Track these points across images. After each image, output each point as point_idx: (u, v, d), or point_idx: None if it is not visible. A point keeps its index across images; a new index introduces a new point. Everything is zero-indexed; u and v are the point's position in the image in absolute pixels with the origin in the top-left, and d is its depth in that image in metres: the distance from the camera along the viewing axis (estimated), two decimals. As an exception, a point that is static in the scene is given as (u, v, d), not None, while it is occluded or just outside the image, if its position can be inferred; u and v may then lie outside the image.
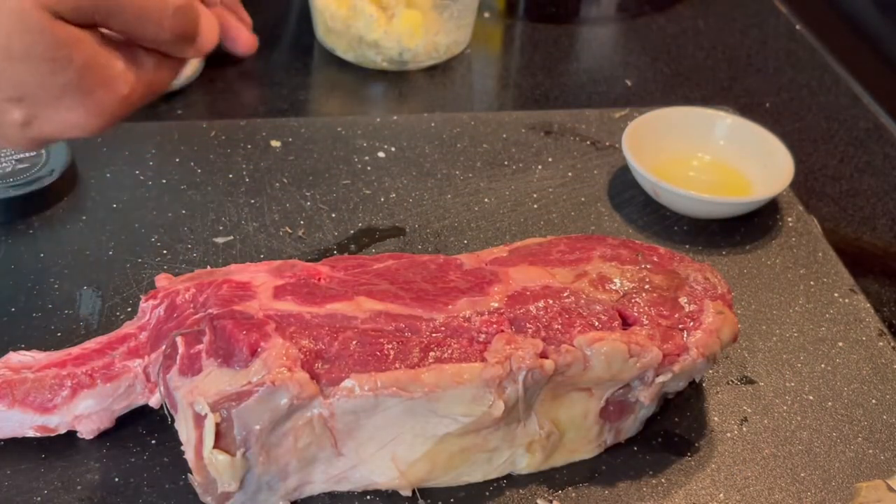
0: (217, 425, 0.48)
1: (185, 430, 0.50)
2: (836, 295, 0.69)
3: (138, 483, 0.53)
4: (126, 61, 0.48)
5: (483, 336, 0.52)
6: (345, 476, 0.53)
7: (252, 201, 0.73)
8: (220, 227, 0.71)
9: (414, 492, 0.54)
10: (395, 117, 0.84)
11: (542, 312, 0.54)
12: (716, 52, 1.02)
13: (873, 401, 0.62)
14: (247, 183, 0.75)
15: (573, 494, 0.55)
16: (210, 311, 0.52)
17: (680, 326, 0.55)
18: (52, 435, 0.54)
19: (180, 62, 0.52)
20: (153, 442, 0.55)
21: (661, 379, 0.54)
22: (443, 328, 0.53)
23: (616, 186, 0.78)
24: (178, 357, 0.51)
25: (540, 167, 0.79)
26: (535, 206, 0.75)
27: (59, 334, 0.61)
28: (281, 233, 0.71)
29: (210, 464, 0.49)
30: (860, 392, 0.62)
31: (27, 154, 0.72)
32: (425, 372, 0.50)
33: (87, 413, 0.54)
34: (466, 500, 0.54)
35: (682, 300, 0.57)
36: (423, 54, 0.92)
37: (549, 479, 0.56)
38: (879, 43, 1.02)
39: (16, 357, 0.55)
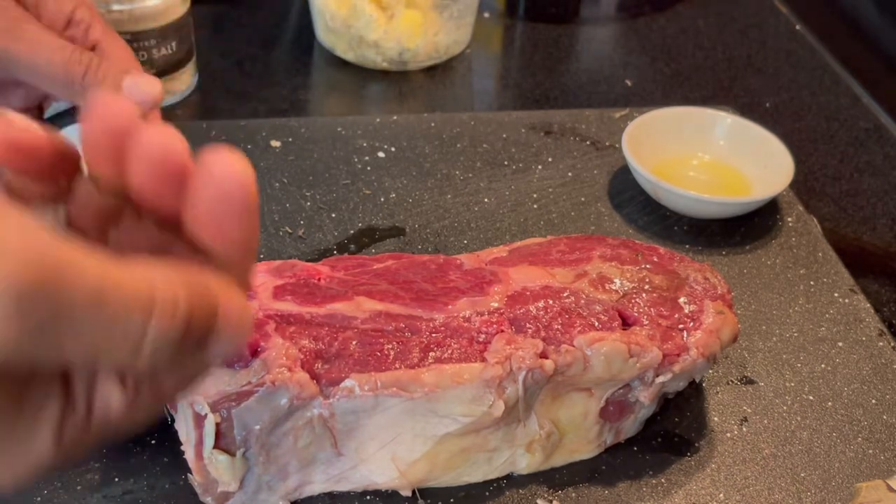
0: (217, 425, 0.48)
1: (184, 430, 0.50)
2: (836, 295, 0.69)
3: (138, 483, 0.53)
4: (64, 404, 0.29)
5: (483, 336, 0.52)
6: (345, 476, 0.53)
7: (252, 201, 0.73)
8: (220, 227, 0.71)
9: (414, 492, 0.54)
10: (395, 117, 0.84)
11: (542, 312, 0.54)
12: (716, 52, 1.02)
13: (873, 401, 0.62)
14: (247, 183, 0.75)
15: (573, 494, 0.55)
16: (210, 311, 0.52)
17: (680, 326, 0.55)
18: (52, 435, 0.54)
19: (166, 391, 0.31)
20: (153, 442, 0.55)
21: (661, 379, 0.54)
22: (443, 328, 0.53)
23: (616, 186, 0.78)
24: (178, 357, 0.51)
25: (540, 167, 0.79)
26: (535, 206, 0.75)
27: (59, 334, 0.61)
28: (281, 233, 0.71)
29: (210, 464, 0.49)
30: (860, 392, 0.62)
31: None
32: (425, 372, 0.50)
33: (87, 413, 0.54)
34: (466, 500, 0.54)
35: (682, 300, 0.57)
36: (423, 54, 0.92)
37: (549, 479, 0.56)
38: (879, 43, 1.02)
39: (16, 357, 0.55)
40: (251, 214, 0.31)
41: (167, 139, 0.31)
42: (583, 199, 0.77)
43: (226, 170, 0.30)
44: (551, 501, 0.55)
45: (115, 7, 0.76)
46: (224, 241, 0.31)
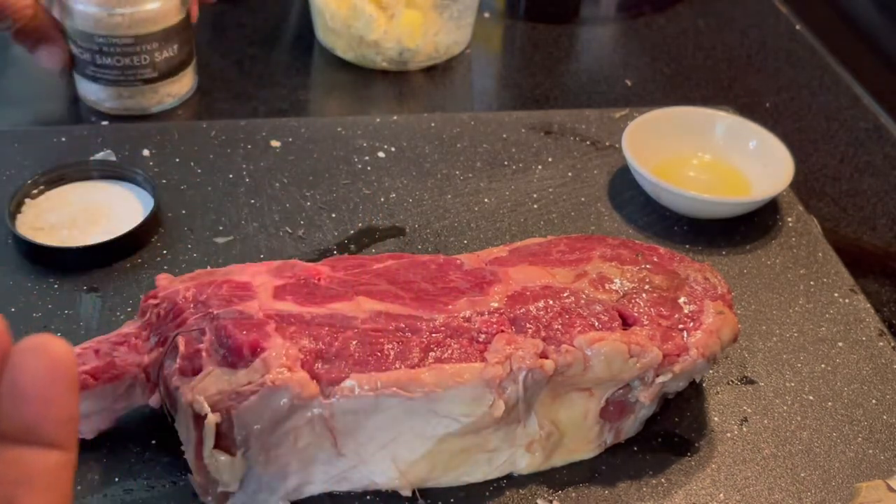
0: (217, 425, 0.48)
1: (185, 430, 0.50)
2: (836, 295, 0.69)
3: (138, 483, 0.53)
4: None
5: (483, 336, 0.52)
6: (345, 476, 0.53)
7: (252, 201, 0.73)
8: (220, 227, 0.71)
9: (414, 492, 0.54)
10: (395, 117, 0.84)
11: (542, 312, 0.54)
12: (716, 52, 1.02)
13: (873, 401, 0.62)
14: (247, 183, 0.75)
15: (573, 494, 0.55)
16: (210, 311, 0.52)
17: (680, 327, 0.55)
18: (52, 435, 0.54)
19: None
20: (153, 442, 0.55)
21: (661, 379, 0.54)
22: (443, 328, 0.53)
23: (616, 186, 0.78)
24: (178, 357, 0.51)
25: (540, 167, 0.79)
26: (535, 206, 0.75)
27: (58, 334, 0.61)
28: (281, 233, 0.71)
29: (210, 464, 0.49)
30: (860, 392, 0.62)
31: None
32: (425, 372, 0.50)
33: (87, 413, 0.54)
34: (466, 500, 0.54)
35: (682, 300, 0.57)
36: (423, 54, 0.92)
37: (550, 479, 0.56)
38: (879, 43, 1.02)
39: (16, 357, 0.55)
40: (76, 388, 0.31)
41: None
42: (583, 199, 0.77)
43: (45, 346, 0.31)
44: (551, 501, 0.54)
45: (117, 11, 0.76)
46: (51, 418, 0.31)
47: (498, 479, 0.55)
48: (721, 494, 0.55)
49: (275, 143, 0.79)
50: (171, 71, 0.81)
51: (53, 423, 0.31)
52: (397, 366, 0.50)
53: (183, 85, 0.84)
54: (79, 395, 0.32)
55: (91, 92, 0.82)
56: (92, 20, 0.76)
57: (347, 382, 0.49)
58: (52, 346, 0.31)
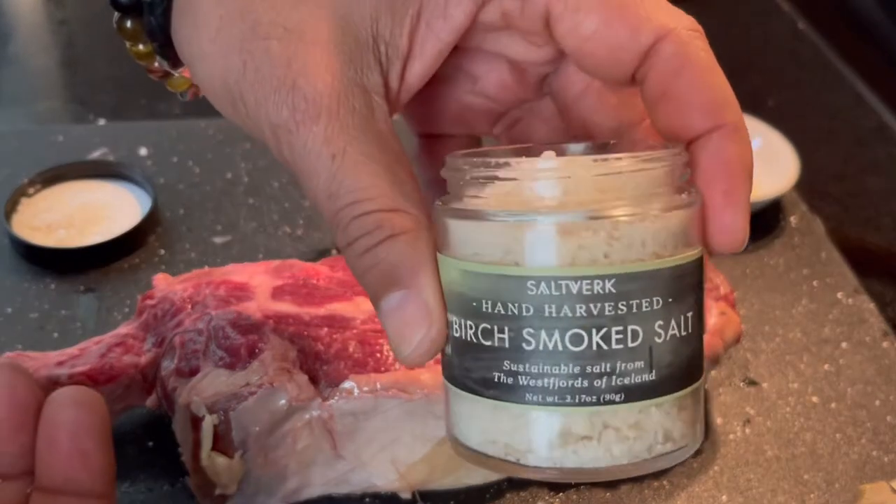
0: (215, 427, 0.48)
1: (182, 431, 0.50)
2: (839, 295, 0.69)
3: (136, 485, 0.53)
4: None
5: (483, 337, 0.52)
6: (344, 478, 0.52)
7: (251, 201, 0.73)
8: (219, 227, 0.70)
9: (414, 494, 0.53)
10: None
11: (543, 313, 0.54)
12: (717, 51, 1.01)
13: (877, 402, 0.61)
14: (245, 182, 0.74)
15: (574, 497, 0.54)
16: (208, 311, 0.52)
17: (682, 327, 0.55)
18: (49, 437, 0.54)
19: None
20: (150, 444, 0.55)
21: (663, 380, 0.54)
22: (443, 329, 0.52)
23: (618, 186, 0.77)
24: (176, 358, 0.51)
25: (541, 166, 0.79)
26: (537, 205, 0.75)
27: (55, 335, 0.61)
28: (280, 232, 0.70)
29: (208, 466, 0.48)
30: (864, 393, 0.62)
31: None
32: (425, 373, 0.50)
33: (83, 414, 0.53)
34: (466, 502, 0.54)
35: (685, 301, 0.56)
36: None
37: (551, 481, 0.55)
38: (884, 41, 1.02)
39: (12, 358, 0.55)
40: (109, 437, 0.33)
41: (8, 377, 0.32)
42: (584, 198, 0.76)
43: (77, 398, 0.32)
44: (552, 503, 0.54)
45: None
46: (89, 469, 0.32)
47: (498, 481, 0.55)
48: (724, 497, 0.55)
49: (274, 142, 0.79)
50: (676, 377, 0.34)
51: (91, 473, 0.32)
52: (396, 367, 0.50)
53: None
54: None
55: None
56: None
57: (346, 384, 0.49)
58: (85, 397, 0.32)
